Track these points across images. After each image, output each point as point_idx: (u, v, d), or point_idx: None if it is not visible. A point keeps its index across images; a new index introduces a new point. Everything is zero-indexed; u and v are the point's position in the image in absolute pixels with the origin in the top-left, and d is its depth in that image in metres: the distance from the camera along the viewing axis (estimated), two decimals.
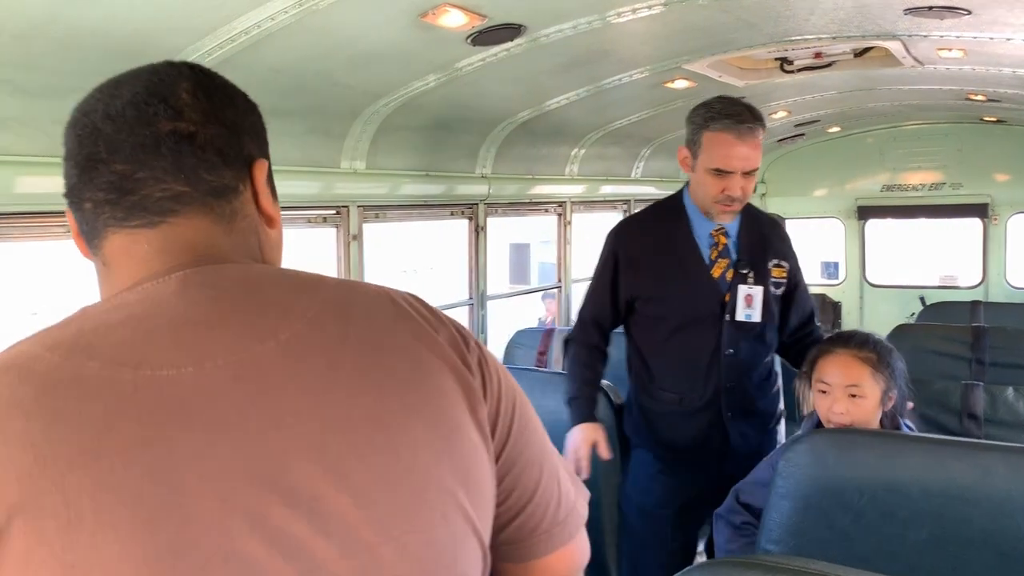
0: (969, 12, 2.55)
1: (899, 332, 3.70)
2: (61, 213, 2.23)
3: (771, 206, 7.42)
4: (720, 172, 2.34)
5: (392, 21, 2.36)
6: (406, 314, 0.87)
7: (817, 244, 8.84)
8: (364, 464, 0.75)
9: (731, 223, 2.48)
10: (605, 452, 2.41)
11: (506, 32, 2.59)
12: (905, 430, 2.21)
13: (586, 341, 2.56)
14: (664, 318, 2.46)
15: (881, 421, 2.18)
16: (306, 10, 2.10)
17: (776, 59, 3.94)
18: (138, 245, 0.83)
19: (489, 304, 4.18)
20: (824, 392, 2.16)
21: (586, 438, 2.41)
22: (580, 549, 0.99)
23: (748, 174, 2.36)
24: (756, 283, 2.44)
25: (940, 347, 3.49)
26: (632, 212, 5.42)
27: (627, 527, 2.65)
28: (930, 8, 2.54)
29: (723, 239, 2.47)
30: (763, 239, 2.52)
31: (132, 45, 2.09)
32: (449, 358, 0.85)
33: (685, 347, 2.45)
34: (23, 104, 2.08)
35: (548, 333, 3.91)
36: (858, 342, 2.17)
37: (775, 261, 2.50)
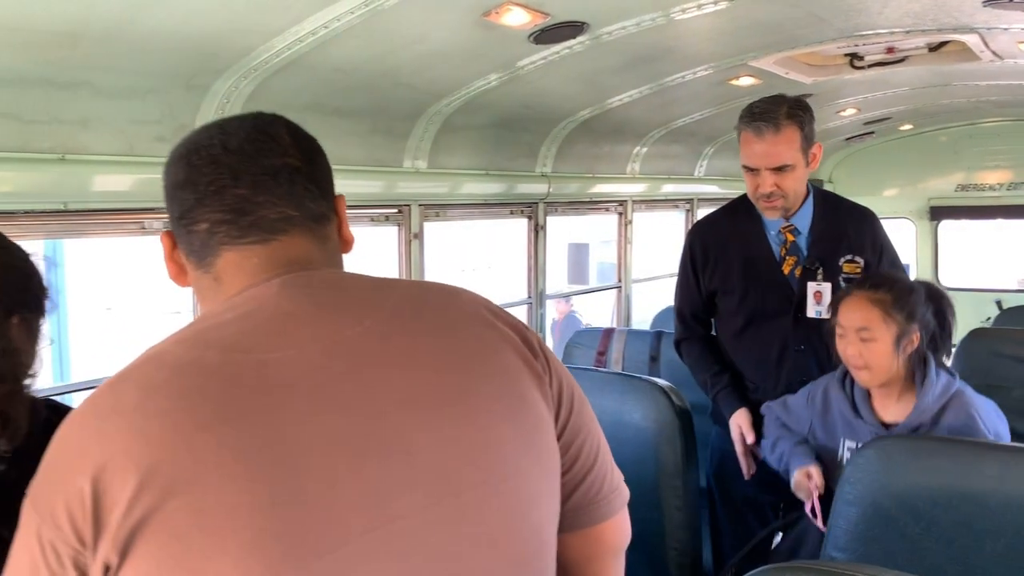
0: None
1: (974, 337, 3.57)
2: (136, 210, 2.31)
3: None
4: (750, 170, 2.42)
5: (455, 20, 2.38)
6: (472, 304, 1.02)
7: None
8: (445, 423, 0.89)
9: (802, 220, 2.51)
10: (750, 436, 2.48)
11: (568, 30, 2.58)
12: (947, 380, 2.15)
13: (692, 335, 2.69)
14: (737, 313, 2.55)
15: (910, 368, 2.14)
16: (371, 11, 2.13)
17: (846, 55, 3.83)
18: (249, 260, 0.98)
19: (548, 303, 4.18)
20: (841, 335, 2.15)
21: (746, 422, 2.49)
22: (627, 522, 1.13)
23: (779, 171, 2.37)
24: (825, 280, 2.46)
25: (1018, 352, 3.36)
26: (695, 211, 5.36)
27: (713, 514, 2.77)
28: (1011, 0, 2.44)
29: (791, 236, 2.50)
30: (837, 234, 2.51)
31: (205, 47, 2.15)
32: (512, 340, 0.99)
33: (757, 341, 2.51)
34: (102, 105, 2.16)
35: (607, 333, 3.88)
36: (873, 283, 2.15)
37: (848, 257, 2.49)
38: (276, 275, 0.96)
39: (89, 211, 2.24)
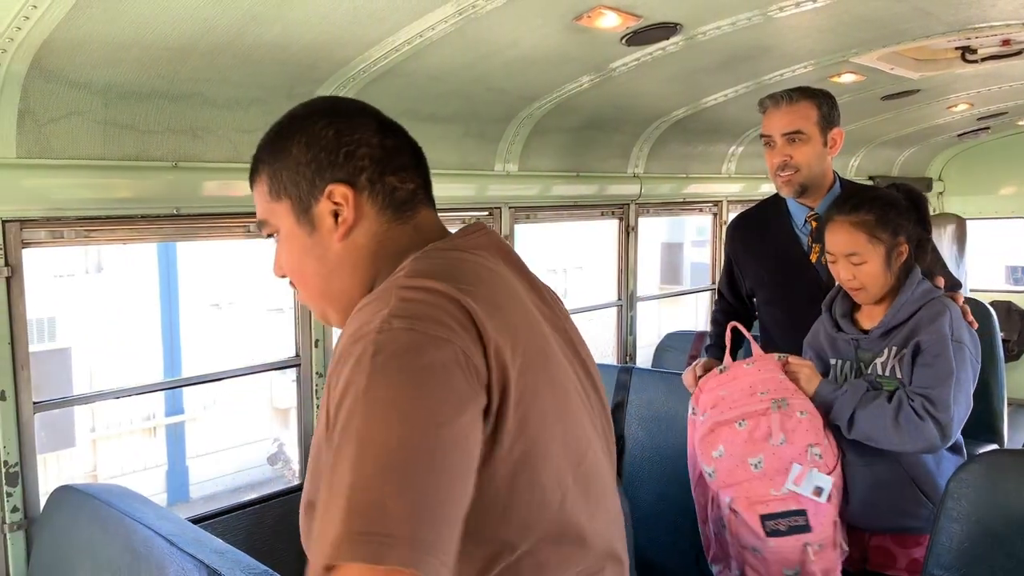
0: None
1: None
2: (241, 214, 2.42)
3: (949, 205, 6.90)
4: (766, 141, 2.59)
5: (547, 25, 2.39)
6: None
7: (1002, 247, 8.11)
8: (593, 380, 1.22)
9: (826, 206, 2.54)
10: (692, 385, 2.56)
11: (661, 31, 2.56)
12: (928, 287, 2.17)
13: (720, 308, 2.91)
14: (771, 303, 2.70)
15: (902, 277, 2.15)
16: (464, 19, 2.17)
17: (957, 48, 3.65)
18: (434, 219, 1.21)
19: (639, 305, 4.14)
20: (832, 261, 2.18)
21: (700, 367, 2.60)
22: None
23: (791, 140, 2.51)
24: None
25: None
26: None
27: None
28: None
29: (815, 223, 2.59)
30: None
31: (306, 58, 2.24)
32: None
33: (790, 329, 2.58)
34: (211, 115, 2.28)
35: (700, 336, 3.83)
36: (853, 205, 2.15)
37: None
38: (448, 235, 1.19)
39: (199, 215, 2.36)
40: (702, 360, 2.75)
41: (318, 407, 2.69)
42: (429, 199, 1.22)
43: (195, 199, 2.34)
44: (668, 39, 2.65)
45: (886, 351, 2.13)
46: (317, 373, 2.67)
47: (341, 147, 1.14)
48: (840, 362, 2.24)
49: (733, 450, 2.15)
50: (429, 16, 2.14)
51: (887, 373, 2.11)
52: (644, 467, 2.92)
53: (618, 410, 3.03)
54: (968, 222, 6.65)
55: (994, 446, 4.45)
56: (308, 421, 2.68)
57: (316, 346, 2.65)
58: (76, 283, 8.73)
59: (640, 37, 2.56)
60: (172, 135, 2.22)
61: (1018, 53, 3.59)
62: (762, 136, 2.64)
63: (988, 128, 6.00)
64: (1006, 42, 3.48)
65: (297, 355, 2.64)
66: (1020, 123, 6.10)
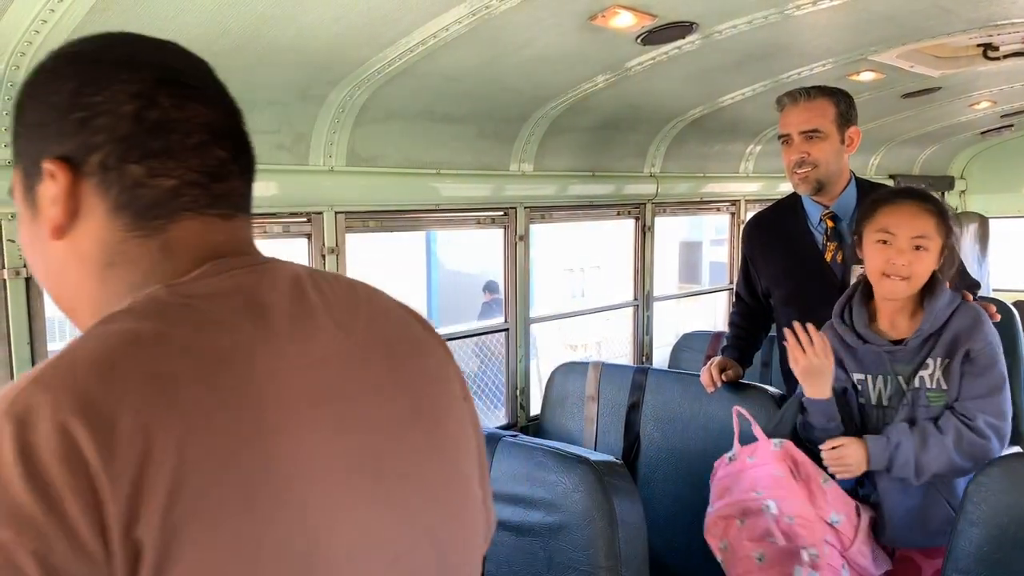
0: None
1: None
2: (256, 215, 2.43)
3: (971, 204, 6.82)
4: (784, 139, 2.60)
5: (561, 25, 2.38)
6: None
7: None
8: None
9: (843, 207, 2.58)
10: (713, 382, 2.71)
11: (677, 31, 2.54)
12: (952, 293, 2.10)
13: (738, 309, 2.93)
14: (787, 303, 2.69)
15: (951, 286, 2.11)
16: (478, 19, 2.17)
17: (978, 45, 3.60)
18: (213, 234, 0.83)
19: (656, 305, 4.13)
20: (885, 243, 2.03)
21: (719, 365, 2.75)
22: None
23: (809, 138, 2.51)
24: None
25: None
26: None
27: None
28: None
29: (831, 222, 2.59)
30: None
31: (321, 59, 2.24)
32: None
33: None
34: None
35: (717, 337, 3.80)
36: (922, 195, 2.08)
37: None
38: (240, 260, 0.83)
39: None
40: (718, 359, 2.74)
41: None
42: (219, 205, 0.83)
43: None
44: (684, 38, 2.63)
45: (930, 362, 2.03)
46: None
47: (74, 110, 0.79)
48: (871, 377, 2.11)
49: (737, 545, 2.18)
50: (443, 17, 2.14)
51: (934, 386, 2.03)
52: (660, 468, 2.91)
53: (633, 411, 3.02)
54: (991, 220, 6.57)
55: (1017, 448, 4.39)
56: (512, 374, 2.69)
57: None
58: None
59: (655, 36, 2.55)
60: None
61: None
62: (780, 135, 2.63)
63: (1012, 126, 5.92)
64: None
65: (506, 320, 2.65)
66: None
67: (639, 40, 2.57)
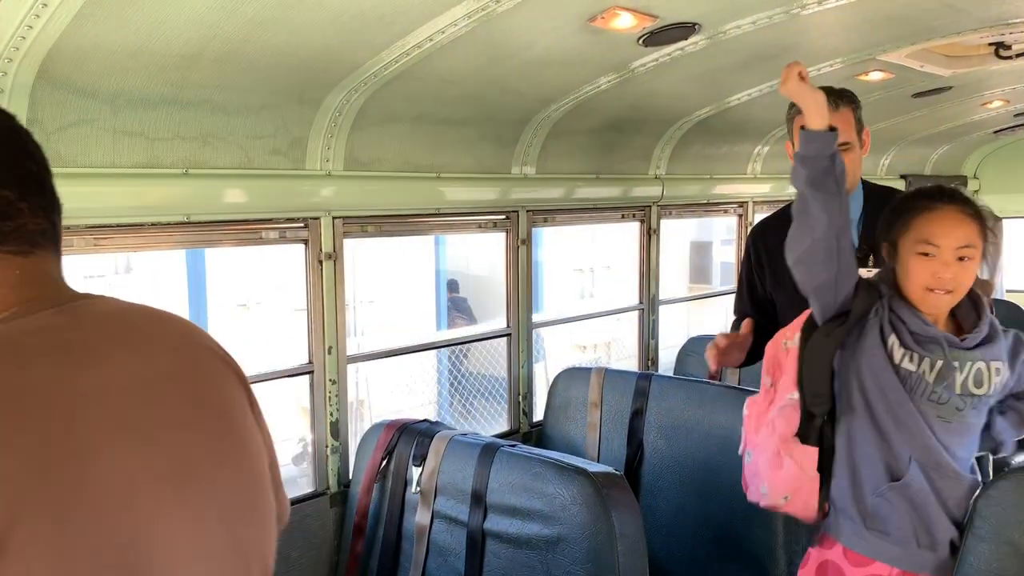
0: None
1: None
2: (253, 220, 2.40)
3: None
4: None
5: (561, 27, 2.34)
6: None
7: None
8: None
9: (852, 209, 2.47)
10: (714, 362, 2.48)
11: (679, 32, 2.49)
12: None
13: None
14: (792, 306, 2.52)
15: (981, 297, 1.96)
16: (476, 21, 2.13)
17: (990, 44, 3.53)
18: (9, 271, 0.92)
19: (662, 308, 4.07)
20: (927, 255, 1.86)
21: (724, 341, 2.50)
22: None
23: (841, 150, 2.36)
24: (876, 266, 2.35)
25: None
26: None
27: None
28: None
29: None
30: None
31: (316, 63, 2.21)
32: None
33: None
34: (221, 121, 2.26)
35: None
36: (963, 198, 1.89)
37: None
38: (46, 297, 0.93)
39: (210, 222, 2.35)
40: (721, 333, 2.60)
41: (331, 414, 2.67)
42: (11, 242, 0.92)
43: (206, 206, 2.32)
44: (686, 39, 2.58)
45: (983, 362, 1.89)
46: (330, 380, 2.64)
47: None
48: (931, 359, 1.89)
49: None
50: (438, 19, 2.10)
51: (998, 391, 1.92)
52: (663, 476, 2.86)
53: (636, 417, 2.97)
54: (1004, 221, 6.47)
55: None
56: (320, 428, 2.66)
57: (329, 353, 2.63)
58: (106, 284, 8.84)
59: (657, 38, 2.51)
60: (182, 142, 2.21)
61: None
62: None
63: None
64: None
65: (310, 361, 2.62)
66: None
67: (641, 41, 2.53)
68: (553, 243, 11.04)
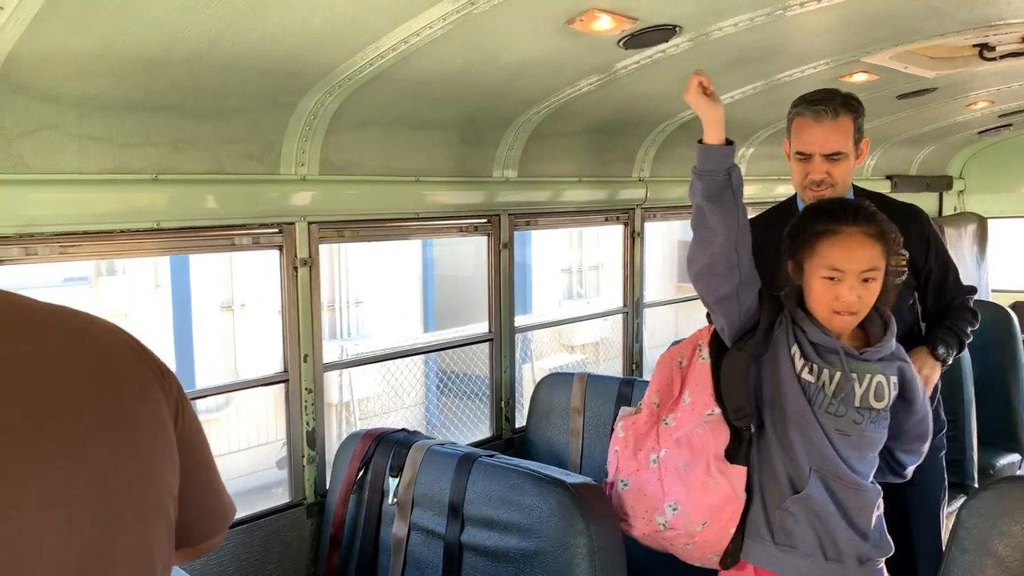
0: None
1: None
2: (226, 227, 2.35)
3: (970, 204, 6.73)
4: (802, 156, 2.41)
5: (539, 29, 2.31)
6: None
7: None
8: None
9: None
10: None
11: (660, 34, 2.46)
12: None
13: None
14: None
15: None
16: (451, 24, 2.09)
17: (974, 46, 3.51)
18: None
19: (647, 311, 4.04)
20: (833, 279, 1.86)
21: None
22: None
23: (833, 159, 2.36)
24: None
25: None
26: None
27: None
28: None
29: None
30: None
31: (287, 65, 2.17)
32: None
33: None
34: (192, 126, 2.21)
35: None
36: (866, 217, 1.89)
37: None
38: None
39: (182, 229, 2.30)
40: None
41: (308, 424, 2.62)
42: None
43: (177, 212, 2.27)
44: (667, 41, 2.55)
45: (883, 376, 1.91)
46: (306, 388, 2.60)
47: None
48: (830, 370, 1.89)
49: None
50: (413, 22, 2.06)
51: (887, 401, 1.93)
52: None
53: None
54: (990, 221, 6.49)
55: (1016, 455, 4.32)
56: (296, 437, 2.61)
57: (305, 361, 2.58)
58: (88, 287, 8.74)
59: (638, 40, 2.47)
60: (151, 147, 2.16)
61: None
62: (798, 152, 2.42)
63: (1010, 125, 5.83)
64: None
65: (285, 370, 2.57)
66: None
67: (621, 44, 2.49)
68: (540, 243, 11.00)
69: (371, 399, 9.20)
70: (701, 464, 1.95)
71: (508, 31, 2.29)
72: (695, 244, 1.94)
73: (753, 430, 1.92)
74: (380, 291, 10.11)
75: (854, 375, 1.87)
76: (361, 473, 2.46)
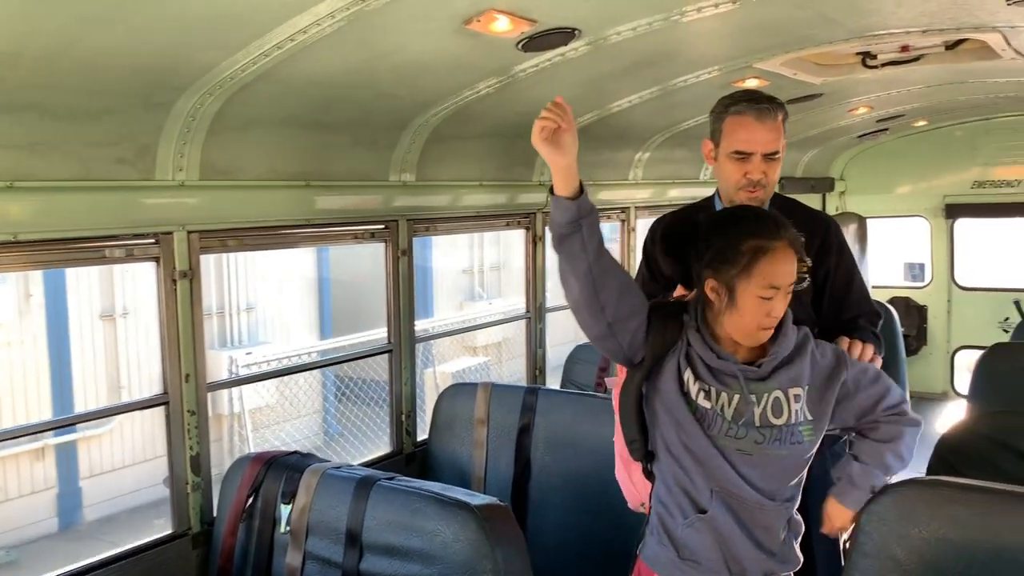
0: None
1: (996, 352, 3.39)
2: (96, 238, 2.15)
3: (851, 204, 7.04)
4: (741, 155, 2.32)
5: (436, 29, 2.21)
6: None
7: (900, 244, 8.35)
8: None
9: None
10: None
11: (559, 37, 2.41)
12: None
13: None
14: None
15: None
16: (342, 20, 1.97)
17: (857, 54, 3.64)
18: None
19: (549, 316, 4.00)
20: (768, 298, 1.81)
21: None
22: None
23: (770, 159, 2.31)
24: None
25: None
26: None
27: None
28: None
29: None
30: None
31: (160, 64, 2.00)
32: None
33: None
34: (52, 128, 2.01)
35: None
36: (787, 228, 1.86)
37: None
38: None
39: (43, 241, 2.08)
40: None
41: (191, 448, 2.43)
42: None
43: (38, 223, 2.06)
44: (566, 44, 2.50)
45: (780, 391, 1.86)
46: (188, 410, 2.41)
47: None
48: (728, 393, 1.86)
49: None
50: (300, 18, 1.93)
51: (800, 419, 1.85)
52: (550, 495, 2.78)
53: (524, 434, 2.88)
54: (868, 220, 6.80)
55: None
56: (179, 463, 2.42)
57: (187, 381, 2.40)
58: None
59: (537, 43, 2.41)
60: (4, 151, 1.94)
61: (916, 59, 3.61)
62: (736, 151, 2.32)
63: (887, 129, 6.13)
64: (905, 48, 3.49)
65: (165, 391, 2.38)
66: (916, 124, 6.26)
67: (520, 46, 2.42)
68: (440, 244, 10.87)
69: (263, 409, 8.85)
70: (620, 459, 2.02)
71: (403, 30, 2.18)
72: (562, 285, 1.87)
73: (647, 463, 1.92)
74: (273, 295, 9.75)
75: (752, 396, 1.84)
76: (251, 500, 2.30)
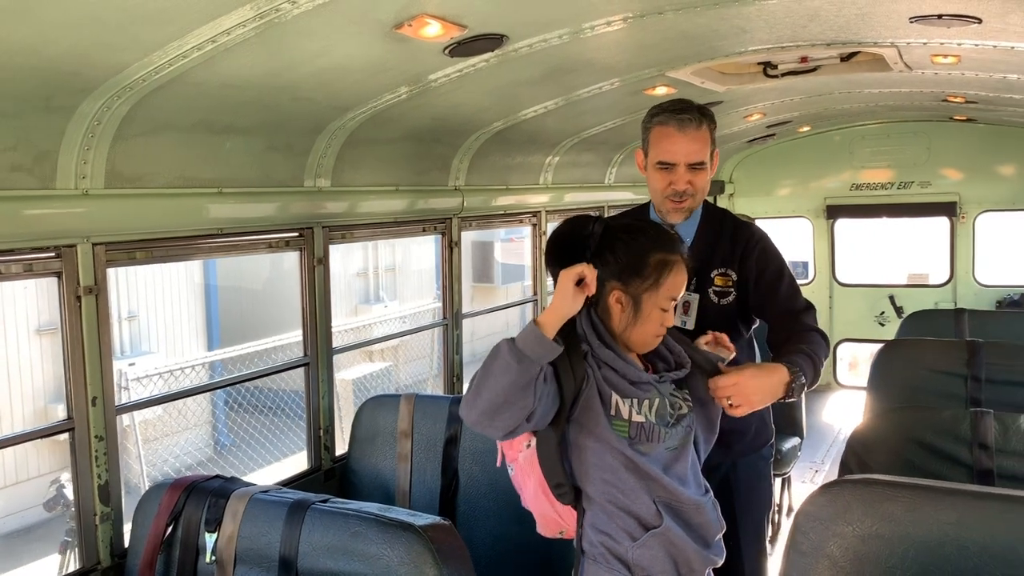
0: (979, 20, 2.40)
1: (891, 348, 3.58)
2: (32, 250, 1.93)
3: (739, 206, 7.32)
4: (665, 165, 2.33)
5: (364, 33, 2.14)
6: None
7: (786, 244, 8.78)
8: None
9: (686, 229, 2.42)
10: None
11: (486, 43, 2.38)
12: None
13: None
14: None
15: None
16: (267, 23, 1.87)
17: (759, 64, 3.78)
18: None
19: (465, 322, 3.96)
20: (666, 310, 1.88)
21: None
22: None
23: (695, 168, 2.33)
24: (695, 291, 2.37)
25: (934, 364, 3.38)
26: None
27: None
28: (939, 16, 2.39)
29: None
30: (714, 246, 2.42)
31: (67, 64, 1.84)
32: None
33: None
34: None
35: None
36: (681, 242, 1.96)
37: (720, 270, 2.41)
38: None
39: None
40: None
41: (99, 476, 2.26)
42: None
43: None
44: (492, 51, 2.47)
45: (671, 382, 1.95)
46: (96, 436, 2.23)
47: None
48: (648, 400, 1.87)
49: None
50: (222, 20, 1.82)
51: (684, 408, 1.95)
52: (480, 505, 2.74)
53: (451, 445, 2.82)
54: (756, 221, 7.07)
55: (796, 439, 4.72)
56: (86, 493, 2.24)
57: (94, 404, 2.22)
58: None
59: (464, 48, 2.38)
60: None
61: (813, 70, 3.78)
62: (660, 161, 2.33)
63: (774, 135, 6.41)
64: (804, 59, 3.64)
65: (70, 416, 2.20)
66: (801, 130, 6.58)
67: (447, 51, 2.38)
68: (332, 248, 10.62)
69: (151, 422, 8.40)
70: (531, 484, 1.93)
71: (329, 34, 2.10)
72: (483, 387, 1.74)
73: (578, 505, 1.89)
74: (156, 303, 9.27)
75: (661, 393, 1.89)
76: (170, 529, 2.15)
